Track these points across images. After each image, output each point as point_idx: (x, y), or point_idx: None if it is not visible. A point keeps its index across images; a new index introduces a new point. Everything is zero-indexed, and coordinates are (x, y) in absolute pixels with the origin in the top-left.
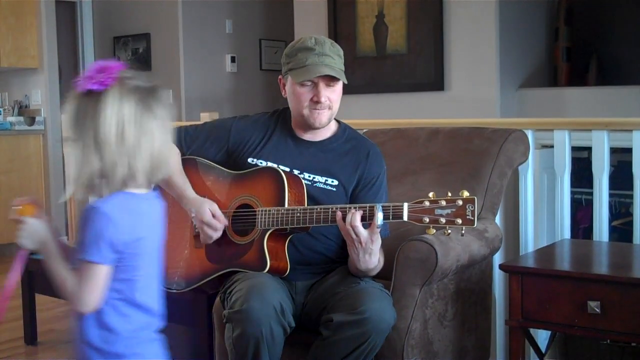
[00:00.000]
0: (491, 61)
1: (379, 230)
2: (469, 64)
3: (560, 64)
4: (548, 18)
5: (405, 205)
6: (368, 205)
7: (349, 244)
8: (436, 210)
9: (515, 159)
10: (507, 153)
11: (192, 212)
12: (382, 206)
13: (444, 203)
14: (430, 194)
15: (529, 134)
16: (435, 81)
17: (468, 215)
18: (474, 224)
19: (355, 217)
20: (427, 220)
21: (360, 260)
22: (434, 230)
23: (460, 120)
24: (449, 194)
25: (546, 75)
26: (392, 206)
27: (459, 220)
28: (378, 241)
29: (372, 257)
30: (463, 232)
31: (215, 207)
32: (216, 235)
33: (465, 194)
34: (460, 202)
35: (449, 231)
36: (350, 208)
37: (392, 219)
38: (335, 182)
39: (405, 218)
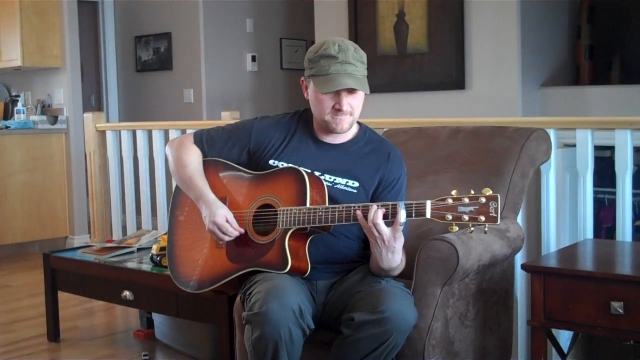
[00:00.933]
0: (513, 60)
1: (401, 228)
2: (490, 62)
3: (582, 62)
4: (570, 16)
5: (428, 202)
6: (391, 203)
7: (371, 242)
8: (459, 208)
9: (537, 158)
10: (529, 152)
11: (204, 213)
12: (405, 204)
13: (466, 200)
14: (453, 192)
15: (551, 133)
16: (456, 80)
17: (491, 213)
18: (497, 221)
19: (378, 214)
20: (450, 217)
21: (383, 259)
22: (457, 228)
23: (481, 119)
24: (472, 192)
25: (568, 73)
26: (415, 203)
27: (482, 218)
28: (401, 239)
29: (395, 256)
30: (486, 229)
31: (231, 215)
32: (224, 239)
33: (488, 191)
34: (483, 200)
35: (472, 228)
36: (372, 206)
37: (415, 216)
38: (356, 184)
39: (428, 215)
